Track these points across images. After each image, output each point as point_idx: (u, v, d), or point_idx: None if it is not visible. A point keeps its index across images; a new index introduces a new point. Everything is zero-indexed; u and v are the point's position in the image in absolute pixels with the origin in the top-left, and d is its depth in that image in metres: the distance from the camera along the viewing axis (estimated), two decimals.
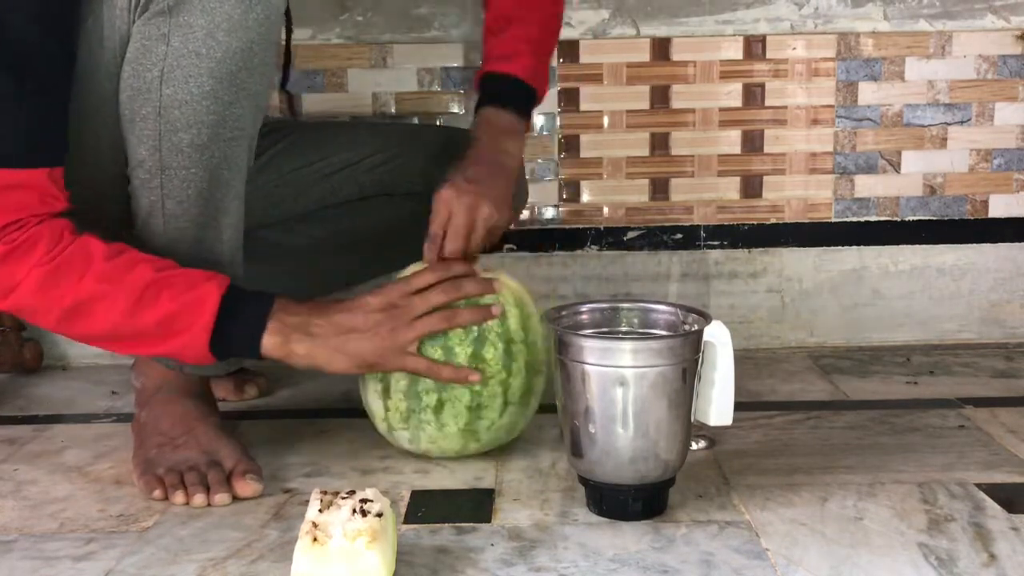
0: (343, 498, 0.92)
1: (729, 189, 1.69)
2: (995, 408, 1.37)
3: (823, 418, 1.35)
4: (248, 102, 1.10)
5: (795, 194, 1.69)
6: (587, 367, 1.01)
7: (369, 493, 0.93)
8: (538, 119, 1.66)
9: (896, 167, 1.69)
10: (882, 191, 1.69)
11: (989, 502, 1.07)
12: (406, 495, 1.12)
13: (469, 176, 1.22)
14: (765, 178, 1.69)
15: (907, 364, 1.60)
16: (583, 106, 1.67)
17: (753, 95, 1.67)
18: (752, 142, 1.68)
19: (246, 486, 1.11)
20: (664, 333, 1.08)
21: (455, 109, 1.67)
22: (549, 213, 1.69)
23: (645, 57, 1.66)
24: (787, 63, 1.66)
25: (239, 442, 1.19)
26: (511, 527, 1.04)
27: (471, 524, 1.04)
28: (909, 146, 1.68)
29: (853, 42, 1.65)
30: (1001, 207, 1.70)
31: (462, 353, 1.13)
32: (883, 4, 1.65)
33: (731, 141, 1.68)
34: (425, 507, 1.09)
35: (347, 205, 1.44)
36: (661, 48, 1.65)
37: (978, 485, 1.11)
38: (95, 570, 0.97)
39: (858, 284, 1.71)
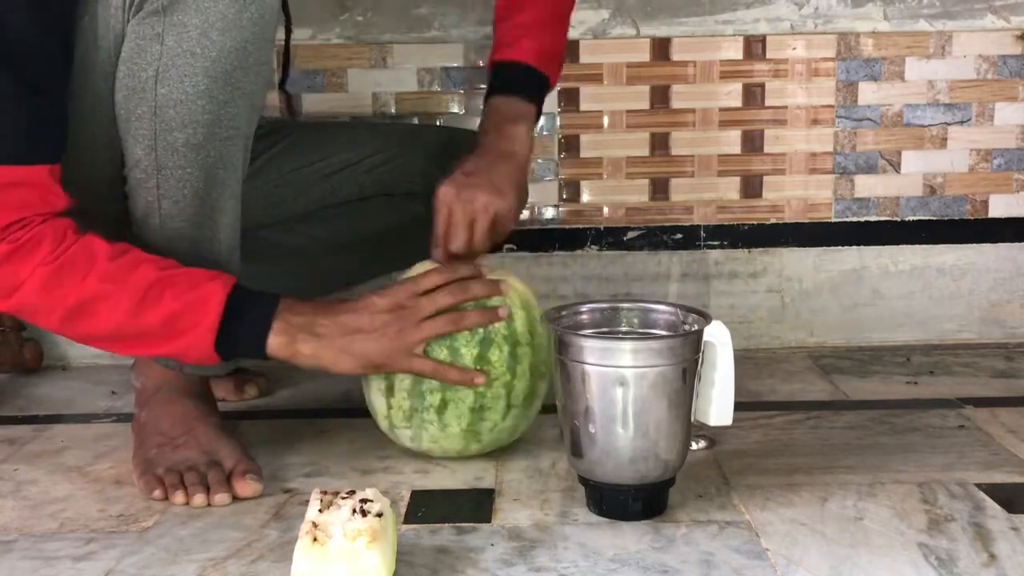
0: (343, 498, 0.92)
1: (729, 189, 1.69)
2: (995, 408, 1.37)
3: (823, 418, 1.35)
4: (243, 101, 1.10)
5: (795, 194, 1.69)
6: (587, 367, 1.01)
7: (369, 493, 0.93)
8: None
9: (896, 167, 1.69)
10: (882, 191, 1.69)
11: (989, 502, 1.07)
12: (406, 495, 1.12)
13: (467, 169, 1.22)
14: (765, 178, 1.69)
15: (907, 364, 1.60)
16: (583, 106, 1.67)
17: (753, 95, 1.67)
18: (752, 142, 1.68)
19: (246, 486, 1.11)
20: (664, 333, 1.08)
21: (455, 109, 1.67)
22: (549, 213, 1.69)
23: (645, 57, 1.66)
24: (787, 63, 1.66)
25: (239, 442, 1.19)
26: (511, 527, 1.04)
27: (471, 524, 1.04)
28: (909, 146, 1.68)
29: (853, 42, 1.65)
30: (1001, 207, 1.70)
31: (468, 354, 1.13)
32: (883, 4, 1.65)
33: (731, 141, 1.68)
34: (425, 507, 1.09)
35: (347, 205, 1.44)
36: (661, 48, 1.65)
37: (978, 485, 1.11)
38: (95, 570, 0.97)
39: (858, 284, 1.71)
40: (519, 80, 1.30)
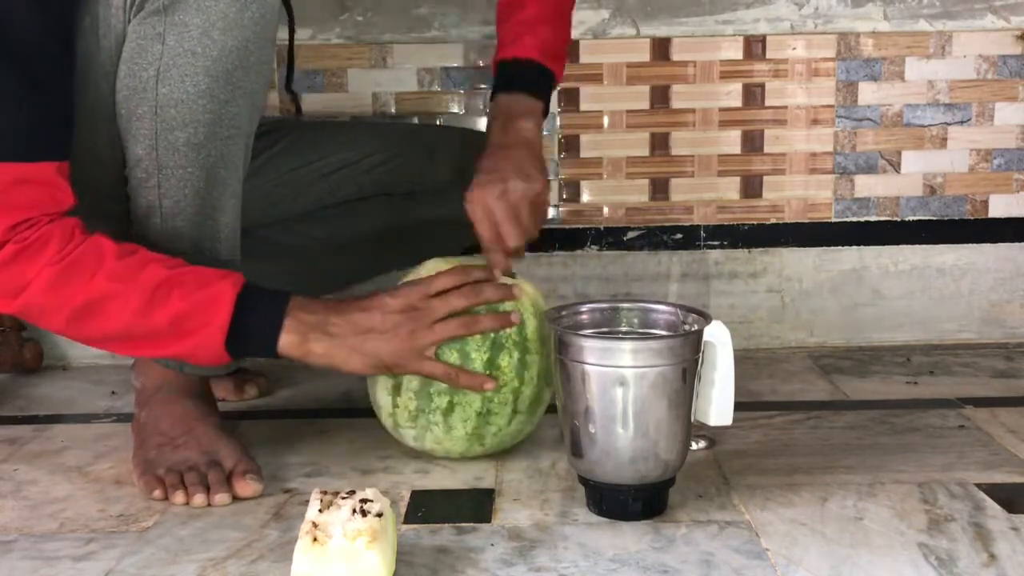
0: (343, 498, 0.92)
1: (729, 189, 1.69)
2: (995, 408, 1.37)
3: (823, 418, 1.35)
4: (244, 101, 1.10)
5: (795, 194, 1.69)
6: (587, 367, 1.01)
7: (369, 493, 0.93)
8: None
9: (896, 167, 1.69)
10: (882, 191, 1.69)
11: (989, 502, 1.07)
12: (406, 495, 1.12)
13: (488, 167, 1.20)
14: (765, 178, 1.69)
15: (907, 364, 1.60)
16: (583, 106, 1.67)
17: (753, 95, 1.67)
18: (752, 142, 1.68)
19: (246, 486, 1.11)
20: (664, 333, 1.08)
21: (455, 109, 1.67)
22: (549, 213, 1.69)
23: (645, 57, 1.66)
24: (787, 63, 1.66)
25: (239, 442, 1.19)
26: (511, 527, 1.04)
27: (471, 524, 1.04)
28: (909, 146, 1.68)
29: (853, 42, 1.65)
30: (1001, 207, 1.70)
31: (479, 359, 1.12)
32: (883, 4, 1.65)
33: (731, 141, 1.68)
34: (425, 507, 1.09)
35: (346, 205, 1.44)
36: (661, 48, 1.65)
37: (978, 485, 1.11)
38: (95, 570, 0.97)
39: (858, 284, 1.71)
40: (524, 76, 1.29)
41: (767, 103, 1.67)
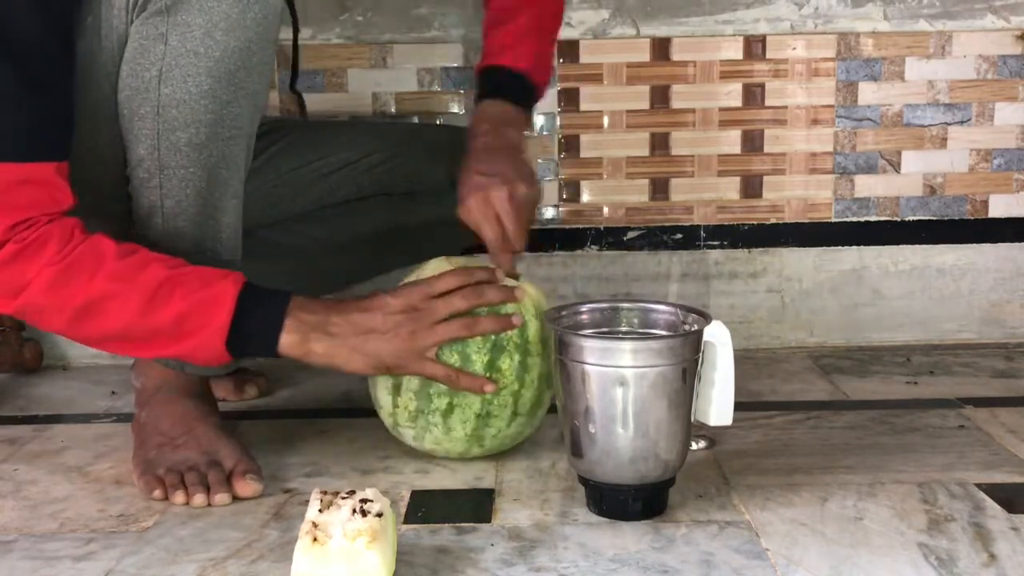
0: (343, 498, 0.92)
1: (729, 189, 1.69)
2: (995, 408, 1.37)
3: (823, 418, 1.35)
4: (246, 101, 1.10)
5: (795, 194, 1.69)
6: (587, 367, 1.01)
7: (369, 493, 0.93)
8: (538, 119, 1.66)
9: (896, 167, 1.69)
10: (882, 191, 1.69)
11: (989, 502, 1.07)
12: (406, 495, 1.12)
13: (486, 170, 1.21)
14: (765, 178, 1.69)
15: (907, 364, 1.60)
16: (583, 106, 1.67)
17: (753, 95, 1.67)
18: (752, 142, 1.68)
19: (246, 486, 1.11)
20: (664, 333, 1.08)
21: (455, 109, 1.67)
22: (549, 213, 1.69)
23: (645, 57, 1.66)
24: (787, 63, 1.66)
25: (239, 442, 1.19)
26: (511, 527, 1.04)
27: (471, 524, 1.04)
28: (909, 146, 1.68)
29: (853, 42, 1.65)
30: (1001, 207, 1.70)
31: (479, 361, 1.12)
32: (883, 4, 1.65)
33: (731, 141, 1.68)
34: (425, 507, 1.09)
35: (346, 205, 1.44)
36: (661, 48, 1.65)
37: (978, 485, 1.11)
38: (95, 570, 0.97)
39: (858, 284, 1.71)
40: (509, 85, 1.31)
41: (767, 103, 1.67)
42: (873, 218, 1.70)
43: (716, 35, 1.65)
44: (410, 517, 1.06)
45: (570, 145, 1.68)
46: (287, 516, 1.07)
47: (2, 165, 1.01)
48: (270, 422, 1.38)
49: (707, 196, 1.69)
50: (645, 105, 1.67)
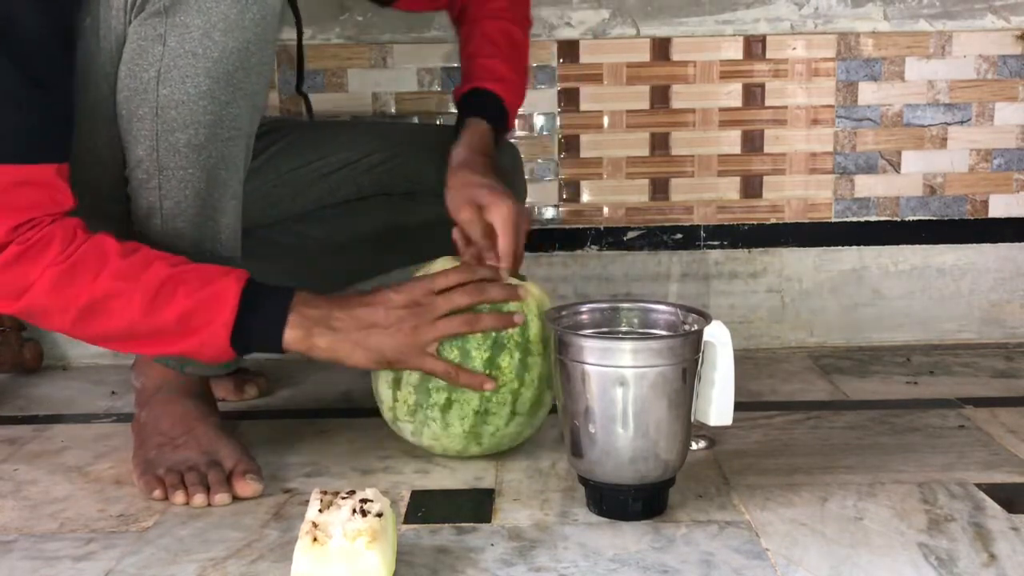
0: (343, 498, 0.92)
1: (729, 189, 1.69)
2: (995, 408, 1.37)
3: (823, 418, 1.35)
4: (245, 102, 1.10)
5: (795, 194, 1.69)
6: (587, 367, 1.01)
7: (369, 493, 0.93)
8: (538, 119, 1.67)
9: (896, 167, 1.69)
10: (882, 191, 1.69)
11: (989, 502, 1.07)
12: (406, 495, 1.12)
13: (499, 186, 1.21)
14: (765, 178, 1.69)
15: (907, 364, 1.60)
16: (583, 106, 1.67)
17: (753, 95, 1.67)
18: (752, 142, 1.68)
19: (246, 486, 1.11)
20: (664, 333, 1.08)
21: (455, 109, 1.66)
22: (549, 213, 1.69)
23: (645, 57, 1.66)
24: (787, 63, 1.66)
25: (239, 442, 1.19)
26: (511, 527, 1.04)
27: (471, 524, 1.04)
28: (909, 146, 1.68)
29: (853, 42, 1.65)
30: (1001, 207, 1.70)
31: (479, 357, 1.12)
32: (883, 4, 1.65)
33: (731, 141, 1.68)
34: (425, 507, 1.09)
35: (346, 205, 1.44)
36: (661, 48, 1.65)
37: (978, 485, 1.11)
38: (95, 570, 0.97)
39: (858, 284, 1.71)
40: (493, 111, 1.33)
41: (767, 103, 1.67)
42: (873, 218, 1.70)
43: (716, 35, 1.65)
44: (410, 517, 1.06)
45: (570, 145, 1.68)
46: (287, 516, 1.07)
47: (2, 167, 1.01)
48: (270, 422, 1.38)
49: (707, 196, 1.69)
50: (645, 105, 1.67)
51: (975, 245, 1.70)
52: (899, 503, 1.07)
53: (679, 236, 1.69)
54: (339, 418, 1.37)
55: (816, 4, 1.65)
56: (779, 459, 1.20)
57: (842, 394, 1.46)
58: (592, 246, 1.70)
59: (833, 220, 1.70)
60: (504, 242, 1.17)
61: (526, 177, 1.53)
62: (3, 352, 1.60)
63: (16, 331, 1.61)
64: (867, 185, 1.69)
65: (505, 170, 1.31)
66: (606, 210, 1.69)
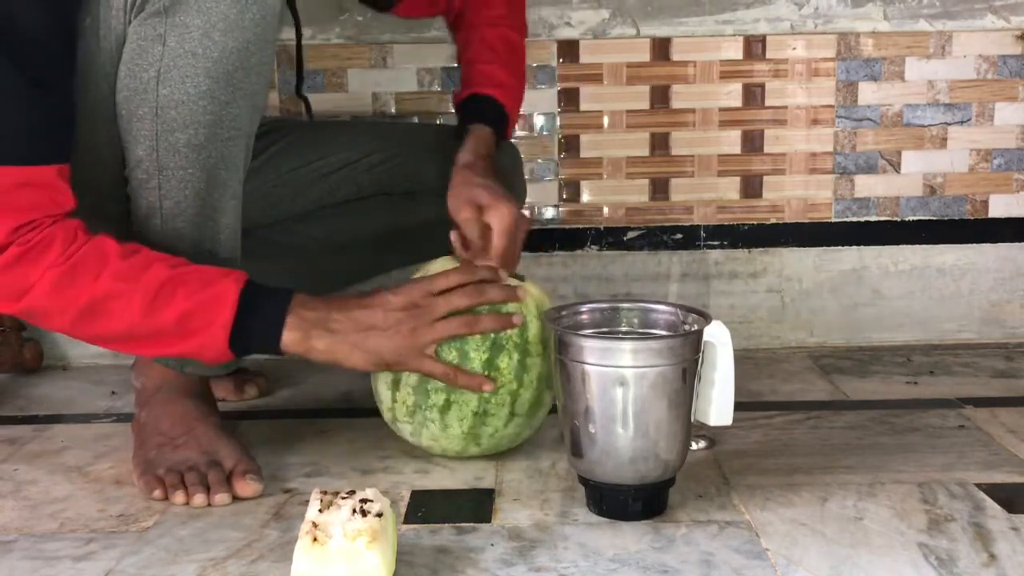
0: (343, 498, 0.92)
1: (729, 189, 1.69)
2: (995, 408, 1.37)
3: (823, 418, 1.35)
4: (245, 102, 1.10)
5: (795, 194, 1.69)
6: (587, 367, 1.01)
7: (369, 493, 0.93)
8: (538, 119, 1.67)
9: (896, 167, 1.69)
10: (882, 191, 1.69)
11: (989, 502, 1.07)
12: (406, 495, 1.12)
13: (502, 191, 1.22)
14: (765, 178, 1.69)
15: (907, 364, 1.60)
16: (583, 106, 1.67)
17: (753, 95, 1.67)
18: (752, 142, 1.68)
19: (246, 486, 1.11)
20: (664, 333, 1.08)
21: (454, 109, 1.66)
22: (549, 213, 1.69)
23: (645, 57, 1.66)
24: (787, 63, 1.66)
25: (239, 442, 1.19)
26: (511, 527, 1.04)
27: (471, 524, 1.04)
28: (909, 146, 1.68)
29: (853, 42, 1.65)
30: (1001, 207, 1.70)
31: (477, 358, 1.12)
32: (883, 4, 1.65)
33: (731, 141, 1.68)
34: (425, 507, 1.09)
35: (345, 205, 1.44)
36: (661, 48, 1.65)
37: (978, 485, 1.11)
38: (95, 570, 0.97)
39: (858, 284, 1.71)
40: (496, 118, 1.35)
41: (767, 103, 1.67)
42: (873, 218, 1.70)
43: (716, 35, 1.65)
44: (410, 517, 1.06)
45: (570, 145, 1.68)
46: (287, 516, 1.07)
47: (3, 168, 1.02)
48: (270, 422, 1.38)
49: (707, 196, 1.69)
50: (645, 105, 1.67)
51: (975, 245, 1.70)
52: (899, 503, 1.07)
53: (679, 236, 1.69)
54: (339, 418, 1.37)
55: (816, 4, 1.65)
56: (779, 459, 1.20)
57: (842, 394, 1.46)
58: (592, 246, 1.70)
59: (833, 220, 1.70)
60: (499, 243, 1.17)
61: (526, 177, 1.53)
62: (3, 352, 1.60)
63: (16, 331, 1.61)
64: (867, 185, 1.69)
65: (505, 171, 1.32)
66: (606, 210, 1.69)
